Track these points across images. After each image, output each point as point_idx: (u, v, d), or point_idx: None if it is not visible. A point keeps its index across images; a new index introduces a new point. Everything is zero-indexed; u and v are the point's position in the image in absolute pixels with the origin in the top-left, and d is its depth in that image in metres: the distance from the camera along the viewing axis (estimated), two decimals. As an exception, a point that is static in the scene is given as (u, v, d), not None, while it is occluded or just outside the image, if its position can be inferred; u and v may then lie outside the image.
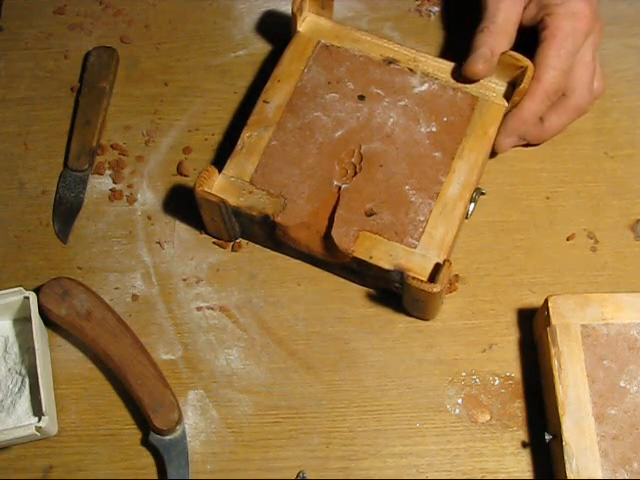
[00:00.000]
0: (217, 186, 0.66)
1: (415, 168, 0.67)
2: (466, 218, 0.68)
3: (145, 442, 0.65)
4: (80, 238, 0.72)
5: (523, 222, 0.71)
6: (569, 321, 0.62)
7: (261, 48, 0.79)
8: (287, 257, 0.70)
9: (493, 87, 0.70)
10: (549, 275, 0.69)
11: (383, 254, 0.64)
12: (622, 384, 0.61)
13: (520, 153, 0.73)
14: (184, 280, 0.70)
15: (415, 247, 0.64)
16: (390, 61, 0.71)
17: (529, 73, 0.67)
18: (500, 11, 0.69)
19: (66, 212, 0.72)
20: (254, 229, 0.68)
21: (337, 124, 0.69)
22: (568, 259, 0.70)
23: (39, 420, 0.62)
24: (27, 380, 0.65)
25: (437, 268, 0.63)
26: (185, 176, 0.74)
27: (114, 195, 0.73)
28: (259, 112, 0.69)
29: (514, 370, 0.66)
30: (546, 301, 0.63)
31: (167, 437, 0.64)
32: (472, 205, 0.68)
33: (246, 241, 0.71)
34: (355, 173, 0.67)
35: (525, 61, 0.68)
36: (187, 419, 0.65)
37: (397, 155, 0.67)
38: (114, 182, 0.74)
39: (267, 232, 0.68)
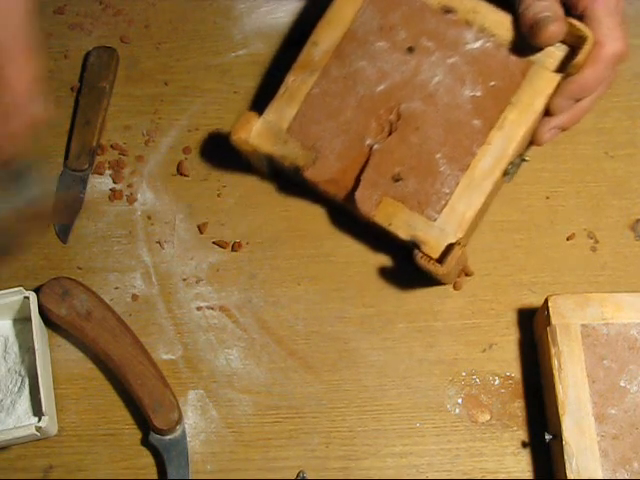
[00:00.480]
0: (255, 130, 0.67)
1: (451, 135, 0.65)
2: (505, 175, 0.66)
3: (145, 442, 0.65)
4: (80, 238, 0.72)
5: (523, 222, 0.71)
6: (569, 321, 0.62)
7: (261, 48, 0.79)
8: (287, 257, 0.70)
9: (552, 52, 0.64)
10: (549, 275, 0.69)
11: (402, 223, 0.64)
12: (622, 384, 0.61)
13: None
14: (184, 280, 0.70)
15: (435, 220, 0.64)
16: (448, 10, 0.67)
17: (588, 45, 0.62)
18: None
19: (66, 212, 0.72)
20: (287, 172, 0.69)
21: (381, 77, 0.67)
22: (568, 259, 0.70)
23: (39, 420, 0.62)
24: (27, 380, 0.65)
25: (449, 248, 0.62)
26: (185, 176, 0.74)
27: (114, 195, 0.73)
28: (306, 55, 0.68)
29: (514, 370, 0.66)
30: (546, 301, 0.63)
31: (167, 437, 0.64)
32: (507, 177, 0.66)
33: (246, 241, 0.71)
34: (390, 133, 0.66)
35: (585, 30, 0.62)
36: (187, 419, 0.65)
37: (435, 118, 0.65)
38: (114, 182, 0.74)
39: (299, 178, 0.68)
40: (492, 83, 0.65)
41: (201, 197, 0.73)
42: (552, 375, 0.61)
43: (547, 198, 0.72)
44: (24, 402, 0.65)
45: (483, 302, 0.69)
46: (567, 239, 0.70)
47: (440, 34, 0.67)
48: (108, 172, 0.74)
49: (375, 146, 0.65)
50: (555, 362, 0.61)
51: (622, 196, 0.72)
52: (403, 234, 0.64)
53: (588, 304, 0.63)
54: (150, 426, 0.64)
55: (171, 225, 0.72)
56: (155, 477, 0.64)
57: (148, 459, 0.65)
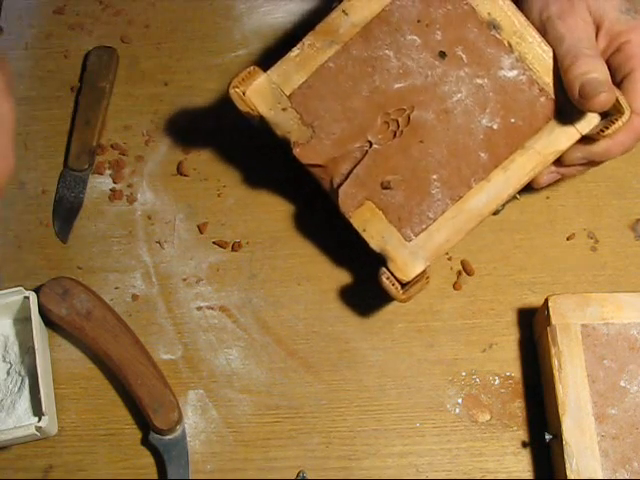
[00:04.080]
0: (255, 85, 0.62)
1: (453, 160, 0.62)
2: (495, 214, 0.65)
3: (145, 442, 0.65)
4: (80, 238, 0.72)
5: (523, 222, 0.71)
6: (569, 321, 0.62)
7: (261, 48, 0.79)
8: (287, 257, 0.70)
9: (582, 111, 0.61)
10: (549, 275, 0.69)
11: (376, 233, 0.62)
12: (622, 384, 0.61)
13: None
14: (184, 280, 0.70)
15: (410, 241, 0.62)
16: (494, 26, 0.61)
17: (623, 120, 0.59)
18: (582, 39, 0.61)
19: (66, 212, 0.72)
20: (277, 139, 0.64)
21: (403, 74, 0.62)
22: (568, 259, 0.70)
23: (39, 420, 0.62)
24: (27, 380, 0.65)
25: (416, 278, 0.61)
26: (185, 176, 0.74)
27: (114, 195, 0.73)
28: (332, 22, 0.62)
29: (514, 370, 0.66)
30: (546, 301, 0.63)
31: (167, 437, 0.64)
32: (495, 214, 0.65)
33: (246, 241, 0.71)
34: (394, 136, 0.62)
35: (624, 105, 0.59)
36: (187, 419, 0.65)
37: (443, 138, 0.62)
38: (114, 182, 0.74)
39: (288, 151, 0.64)
40: (512, 120, 0.62)
41: (201, 197, 0.73)
42: (552, 375, 0.61)
43: (547, 198, 0.72)
44: (24, 402, 0.65)
45: (483, 302, 0.69)
46: (567, 239, 0.70)
47: (478, 49, 0.62)
48: (108, 172, 0.74)
49: (374, 145, 0.63)
50: (555, 362, 0.61)
51: (622, 196, 0.72)
52: (374, 244, 0.62)
53: (588, 304, 0.63)
54: (150, 426, 0.64)
55: (171, 225, 0.72)
56: (155, 477, 0.65)
57: (148, 459, 0.65)
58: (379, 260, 0.63)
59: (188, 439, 0.65)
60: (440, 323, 0.68)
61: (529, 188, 0.65)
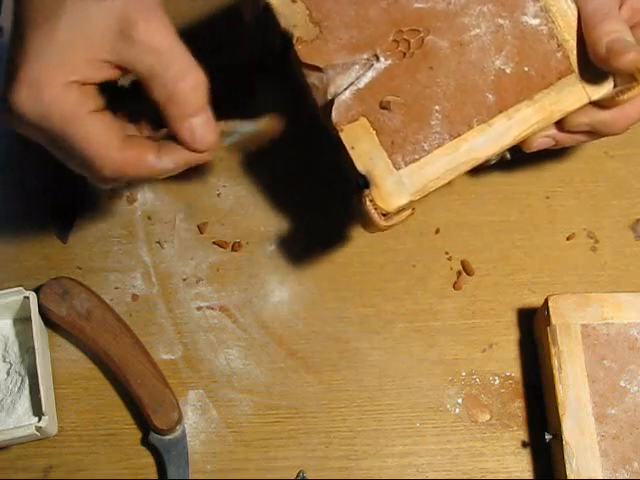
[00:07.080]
0: None
1: (459, 95, 0.59)
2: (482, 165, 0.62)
3: (145, 442, 0.65)
4: (80, 238, 0.72)
5: (523, 222, 0.71)
6: (569, 321, 0.63)
7: (261, 48, 0.79)
8: (287, 257, 0.70)
9: (597, 74, 0.59)
10: (549, 275, 0.69)
11: (365, 153, 0.58)
12: (622, 384, 0.61)
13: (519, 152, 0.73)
14: (184, 280, 0.70)
15: (399, 169, 0.58)
16: None
17: (637, 90, 0.58)
18: (610, 1, 0.60)
19: (66, 212, 0.72)
20: (275, 41, 0.61)
21: None
22: (568, 259, 0.70)
23: (39, 420, 0.62)
24: (27, 380, 0.65)
25: (400, 209, 0.58)
26: (185, 176, 0.73)
27: (114, 195, 0.73)
28: None
29: (514, 370, 0.67)
30: (546, 301, 0.63)
31: (167, 437, 0.64)
32: (489, 163, 0.62)
33: (246, 241, 0.71)
34: (403, 56, 0.59)
35: None
36: (187, 419, 0.65)
37: (454, 69, 0.59)
38: (114, 182, 0.74)
39: (284, 50, 0.60)
40: (526, 68, 0.60)
41: (201, 197, 0.73)
42: (552, 375, 0.61)
43: (547, 198, 0.72)
44: (24, 402, 0.65)
45: (483, 302, 0.69)
46: (567, 239, 0.71)
47: None
48: (108, 172, 0.74)
49: (382, 60, 0.59)
50: (555, 362, 0.61)
51: (622, 196, 0.72)
52: (360, 164, 0.58)
53: (588, 304, 0.63)
54: (150, 426, 0.64)
55: (171, 225, 0.72)
56: (155, 477, 0.65)
57: (148, 459, 0.65)
58: (360, 186, 0.59)
59: (188, 439, 0.65)
60: (440, 323, 0.68)
61: (520, 153, 0.63)
